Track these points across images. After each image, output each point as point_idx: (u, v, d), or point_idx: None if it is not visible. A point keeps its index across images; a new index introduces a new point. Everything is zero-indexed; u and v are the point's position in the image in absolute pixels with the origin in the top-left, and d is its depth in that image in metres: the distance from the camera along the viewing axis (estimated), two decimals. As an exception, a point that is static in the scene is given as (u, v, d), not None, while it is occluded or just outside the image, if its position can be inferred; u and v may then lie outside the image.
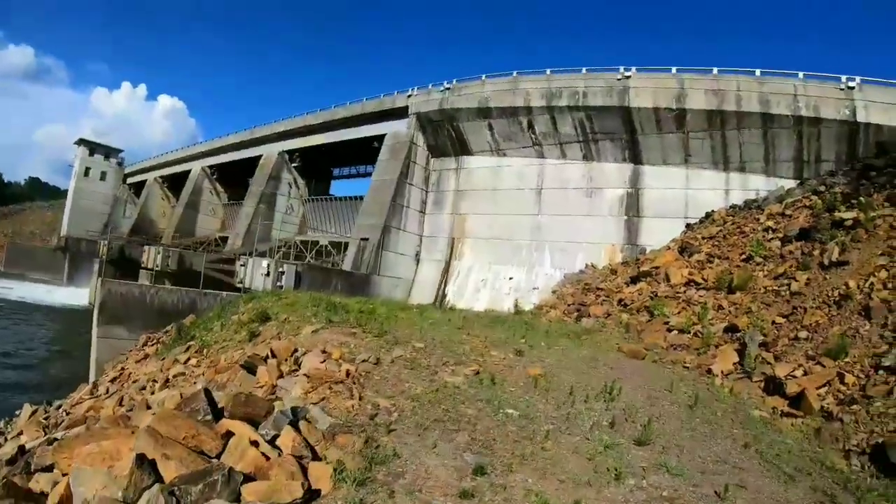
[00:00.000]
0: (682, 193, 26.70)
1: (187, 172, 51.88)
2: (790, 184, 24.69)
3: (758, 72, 26.03)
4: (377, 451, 5.84)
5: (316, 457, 5.35)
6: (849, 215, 17.06)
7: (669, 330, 15.80)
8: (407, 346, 10.50)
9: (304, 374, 7.79)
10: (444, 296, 29.73)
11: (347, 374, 7.89)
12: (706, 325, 15.16)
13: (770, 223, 20.68)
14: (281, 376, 8.10)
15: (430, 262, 31.56)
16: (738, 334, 14.02)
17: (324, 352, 8.93)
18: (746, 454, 7.62)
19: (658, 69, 27.74)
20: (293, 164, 41.14)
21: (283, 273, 24.17)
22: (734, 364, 12.37)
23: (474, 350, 11.35)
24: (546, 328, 16.32)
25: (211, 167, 49.84)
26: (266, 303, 14.66)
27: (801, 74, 25.37)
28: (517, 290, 27.87)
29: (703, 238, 22.44)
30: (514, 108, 29.28)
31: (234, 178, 47.30)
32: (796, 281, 15.41)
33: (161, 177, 58.72)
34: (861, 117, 24.37)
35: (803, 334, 12.76)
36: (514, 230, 29.35)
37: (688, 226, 25.48)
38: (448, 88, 31.47)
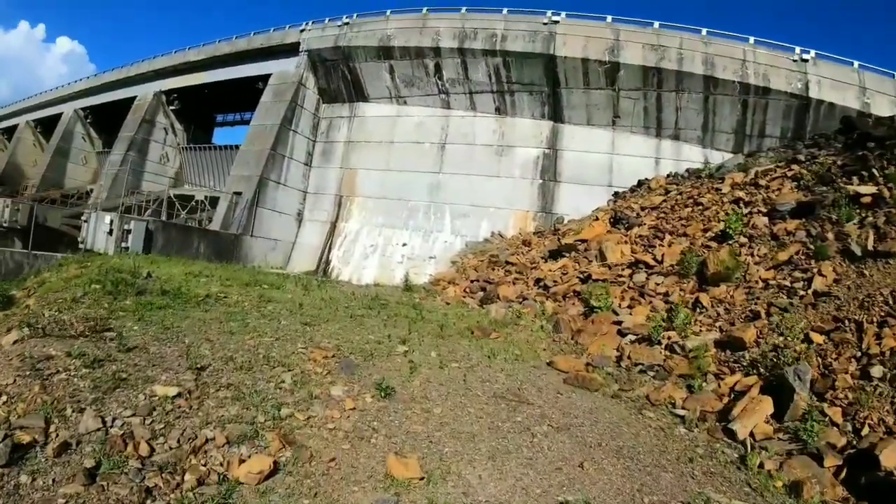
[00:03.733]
0: (607, 158, 23.30)
1: (60, 115, 42.73)
2: (726, 157, 21.87)
3: (704, 31, 22.74)
4: None
5: None
6: (867, 189, 13.29)
7: (622, 333, 11.77)
8: (149, 388, 6.16)
9: None
10: (327, 263, 25.44)
11: None
12: (683, 331, 11.10)
13: (740, 194, 16.81)
14: None
15: (313, 223, 26.90)
16: (743, 354, 9.90)
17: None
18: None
19: (590, 16, 24.14)
20: (171, 107, 34.70)
21: (129, 231, 19.31)
22: (768, 420, 7.88)
23: (301, 383, 7.12)
24: (441, 319, 12.32)
25: (85, 109, 42.83)
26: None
27: (751, 39, 22.55)
28: (411, 259, 23.80)
29: (643, 208, 18.91)
30: (420, 49, 25.10)
31: (111, 122, 40.27)
32: (821, 276, 11.09)
33: (34, 120, 49.63)
34: (814, 93, 21.53)
35: (877, 370, 8.09)
36: (410, 189, 25.23)
37: (616, 194, 22.15)
38: (346, 23, 26.83)
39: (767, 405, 7.97)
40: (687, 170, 21.49)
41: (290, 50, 27.99)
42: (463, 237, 23.44)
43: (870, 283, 10.37)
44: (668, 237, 15.96)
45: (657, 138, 22.85)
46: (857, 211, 12.86)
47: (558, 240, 18.96)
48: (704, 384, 9.26)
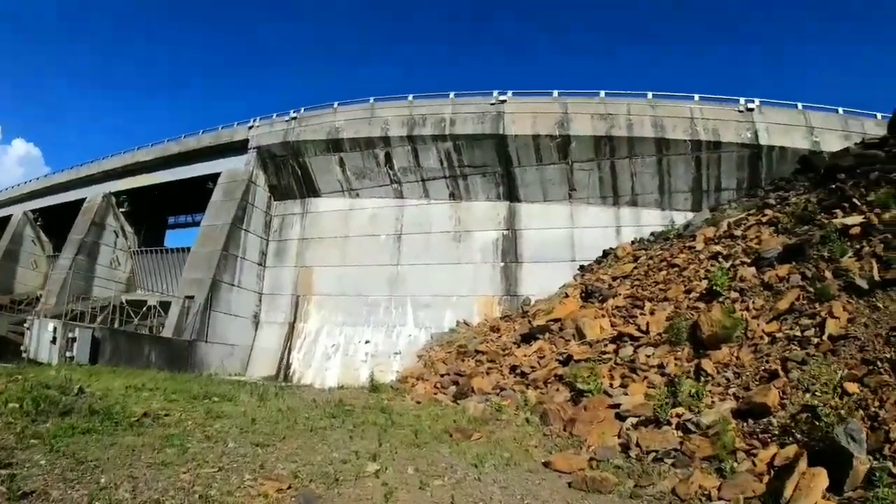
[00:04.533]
0: (567, 233, 22.84)
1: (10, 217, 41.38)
2: (687, 216, 21.50)
3: (650, 94, 22.93)
4: None
5: None
6: (854, 220, 12.72)
7: (621, 417, 10.42)
8: None
9: None
10: (288, 366, 24.18)
11: None
12: (692, 405, 9.77)
13: (717, 248, 16.05)
14: None
15: (271, 325, 25.72)
16: (769, 421, 8.67)
17: None
18: None
19: (538, 93, 24.19)
20: (121, 209, 33.68)
21: (74, 340, 18.15)
22: (825, 495, 6.61)
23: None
24: (414, 422, 10.90)
25: (35, 212, 41.73)
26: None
27: (696, 97, 22.69)
28: (375, 357, 22.65)
29: (615, 278, 18.17)
30: (370, 140, 24.80)
31: (62, 225, 38.85)
32: (833, 318, 10.06)
33: (-16, 223, 47.20)
34: (763, 140, 21.59)
35: None
36: (368, 284, 24.41)
37: (581, 268, 21.56)
38: (294, 118, 26.09)
39: (822, 478, 6.66)
40: (652, 234, 21.19)
41: (240, 147, 27.54)
42: (427, 329, 22.50)
43: (888, 315, 9.62)
44: (648, 304, 14.97)
45: (615, 207, 22.54)
46: (849, 244, 12.24)
47: (529, 322, 18.03)
48: (736, 465, 7.93)
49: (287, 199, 27.09)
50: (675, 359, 11.85)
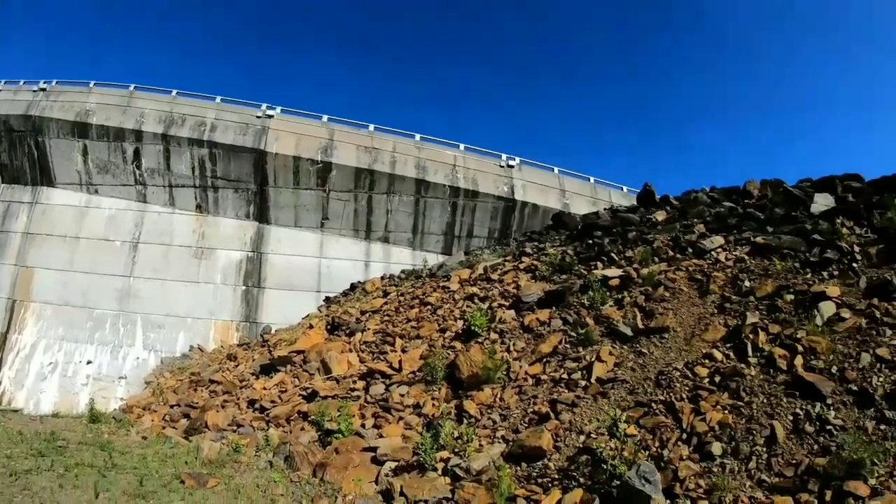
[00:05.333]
0: (315, 262, 23.07)
1: None
2: (438, 258, 22.28)
3: (418, 136, 24.07)
4: None
5: None
6: (614, 272, 14.05)
7: (378, 461, 9.87)
8: None
9: None
10: None
11: None
12: (458, 448, 9.50)
13: (473, 290, 16.47)
14: None
15: None
16: (546, 465, 8.73)
17: None
18: None
19: (307, 114, 24.15)
20: None
21: None
22: None
23: None
24: (139, 464, 9.37)
25: None
26: None
27: (461, 146, 24.32)
28: (98, 380, 20.35)
29: (364, 312, 17.94)
30: (121, 131, 23.72)
31: None
32: (600, 361, 10.79)
33: None
34: (519, 195, 23.35)
35: (716, 447, 7.91)
36: (96, 295, 22.09)
37: (328, 299, 21.62)
38: (42, 89, 23.12)
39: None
40: (403, 271, 22.30)
41: (-27, 114, 24.15)
42: (158, 352, 21.11)
43: (653, 360, 10.54)
44: (399, 341, 14.97)
45: (367, 241, 23.39)
46: (609, 294, 13.26)
47: (269, 352, 17.40)
48: None
49: (17, 183, 24.34)
50: (433, 399, 11.82)
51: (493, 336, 13.21)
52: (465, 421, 10.52)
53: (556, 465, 8.65)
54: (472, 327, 13.51)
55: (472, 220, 23.06)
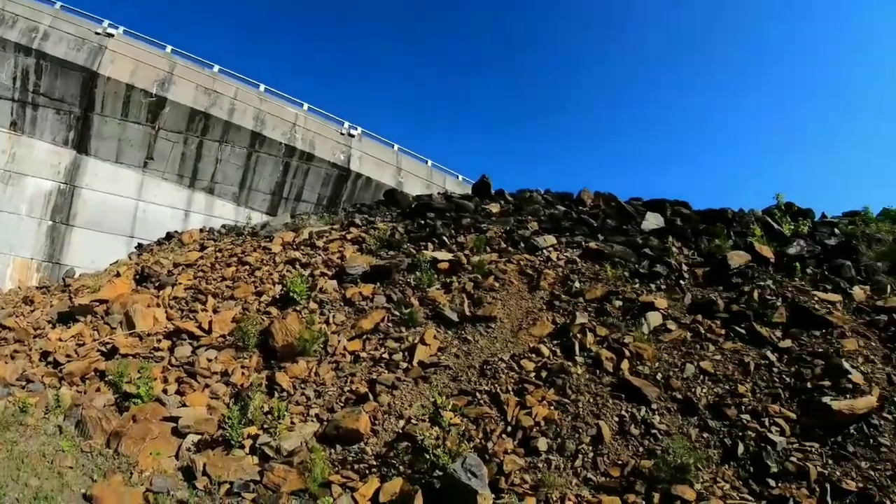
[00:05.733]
0: (132, 205, 21.66)
1: None
2: (262, 218, 21.67)
3: (262, 87, 23.16)
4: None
5: None
6: (444, 256, 13.62)
7: (180, 433, 8.94)
8: None
9: None
10: None
11: None
12: (268, 425, 8.75)
13: (296, 254, 15.50)
14: None
15: None
16: (363, 449, 8.26)
17: None
18: None
19: (151, 41, 22.35)
20: None
21: None
22: None
23: None
24: None
25: None
26: None
27: (305, 106, 23.56)
28: None
29: (177, 265, 16.65)
30: None
31: None
32: (424, 344, 10.35)
33: None
34: (355, 166, 23.13)
35: (542, 443, 7.80)
36: None
37: (140, 247, 20.29)
38: None
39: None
40: (223, 226, 21.17)
41: None
42: (-61, 288, 19.42)
43: (478, 349, 10.31)
44: (211, 300, 13.68)
45: (190, 189, 22.22)
46: (437, 276, 12.89)
47: (70, 298, 15.63)
48: (332, 500, 7.28)
49: None
50: (243, 367, 10.84)
51: (313, 306, 12.40)
52: (277, 395, 9.77)
53: (374, 451, 8.24)
54: (291, 294, 12.60)
55: (303, 184, 22.46)
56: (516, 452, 7.75)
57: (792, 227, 13.82)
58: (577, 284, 12.09)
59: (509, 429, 8.19)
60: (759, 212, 15.35)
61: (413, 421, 8.46)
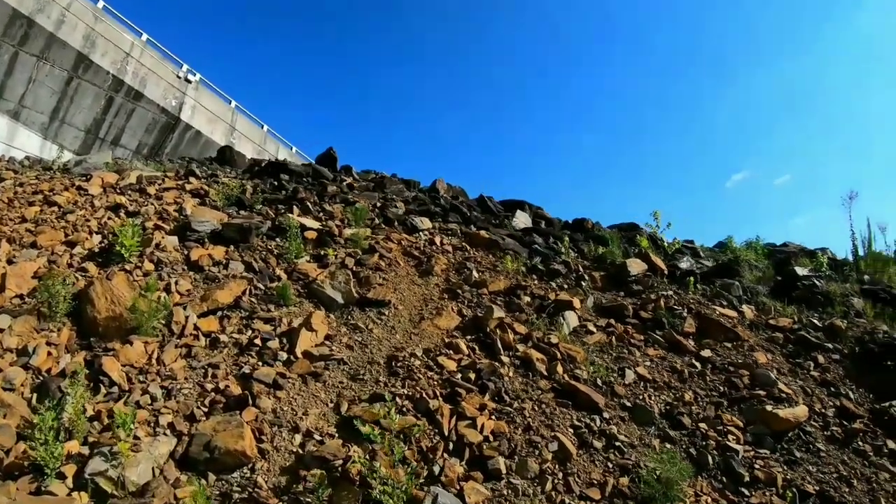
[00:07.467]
0: None
1: None
2: (70, 158, 18.03)
3: (101, 3, 19.77)
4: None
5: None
6: (313, 224, 11.56)
7: None
8: None
9: None
10: None
11: None
12: (100, 440, 5.58)
13: (121, 199, 12.02)
14: None
15: None
16: (242, 479, 5.50)
17: None
18: None
19: None
20: None
21: None
22: None
23: None
24: None
25: None
26: None
27: (144, 36, 20.64)
28: None
29: None
30: None
31: None
32: (311, 331, 7.97)
33: None
34: (186, 116, 20.80)
35: (514, 480, 6.04)
36: None
37: None
38: None
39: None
40: (27, 157, 17.98)
41: None
42: None
43: (375, 340, 8.20)
44: (6, 246, 9.78)
45: None
46: (305, 247, 10.73)
47: None
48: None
49: None
50: (50, 345, 7.27)
51: (148, 266, 9.26)
52: (105, 390, 6.44)
53: (271, 482, 5.53)
54: (117, 247, 9.33)
55: (125, 126, 19.94)
56: (473, 478, 5.99)
57: (676, 245, 14.00)
58: (475, 274, 10.99)
59: (451, 445, 6.37)
60: (624, 225, 15.41)
61: (316, 436, 6.15)
